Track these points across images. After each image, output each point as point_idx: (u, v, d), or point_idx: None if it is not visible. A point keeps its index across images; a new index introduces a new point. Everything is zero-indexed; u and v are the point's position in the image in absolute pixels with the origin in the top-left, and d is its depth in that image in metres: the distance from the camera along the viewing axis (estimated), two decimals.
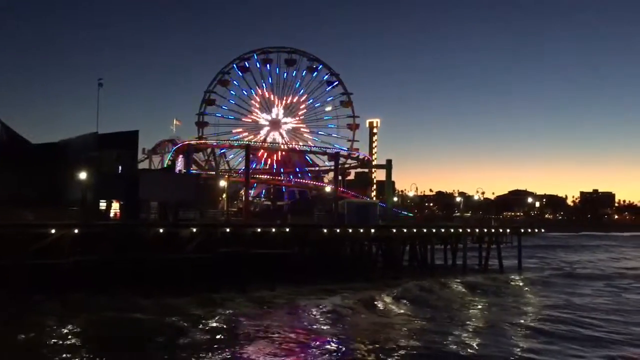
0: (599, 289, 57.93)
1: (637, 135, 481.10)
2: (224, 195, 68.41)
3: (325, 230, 56.42)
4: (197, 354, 27.41)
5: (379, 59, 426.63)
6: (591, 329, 35.94)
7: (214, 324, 33.75)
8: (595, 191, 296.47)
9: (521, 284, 59.71)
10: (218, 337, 31.04)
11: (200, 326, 32.87)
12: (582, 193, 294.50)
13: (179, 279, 42.32)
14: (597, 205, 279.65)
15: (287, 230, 54.01)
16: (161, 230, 44.94)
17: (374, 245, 64.28)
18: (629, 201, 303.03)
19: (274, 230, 52.71)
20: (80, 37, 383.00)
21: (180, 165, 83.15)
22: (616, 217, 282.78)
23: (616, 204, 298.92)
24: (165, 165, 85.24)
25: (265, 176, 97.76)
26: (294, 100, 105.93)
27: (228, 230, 49.46)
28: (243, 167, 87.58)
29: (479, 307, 45.46)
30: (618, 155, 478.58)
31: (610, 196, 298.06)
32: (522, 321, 38.94)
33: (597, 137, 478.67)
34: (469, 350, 29.87)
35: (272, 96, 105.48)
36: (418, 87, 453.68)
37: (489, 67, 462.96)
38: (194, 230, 46.81)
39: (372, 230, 59.45)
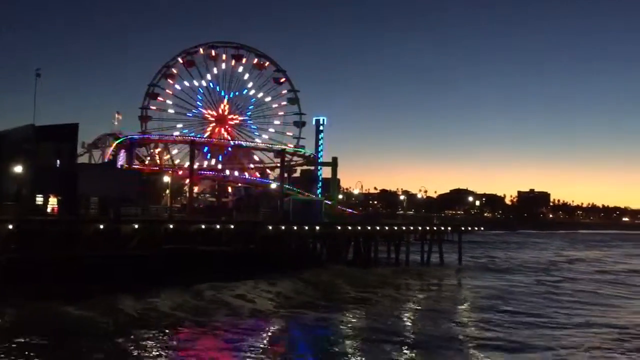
0: (529, 280, 62.70)
1: (571, 138, 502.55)
2: (168, 191, 67.21)
3: (270, 227, 56.38)
4: (129, 353, 26.62)
5: (325, 56, 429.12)
6: (521, 313, 37.71)
7: (152, 321, 32.98)
8: (532, 191, 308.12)
9: (454, 273, 61.80)
10: (156, 333, 30.42)
11: (139, 323, 32.07)
12: (519, 192, 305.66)
13: (120, 276, 41.28)
14: (533, 204, 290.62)
15: (232, 227, 53.67)
16: (101, 227, 43.80)
17: (319, 242, 64.80)
18: (563, 201, 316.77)
19: (218, 227, 52.25)
20: (18, 26, 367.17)
21: (122, 160, 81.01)
22: (551, 215, 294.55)
23: (551, 203, 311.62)
24: (106, 160, 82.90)
25: (210, 172, 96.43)
26: (241, 96, 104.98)
27: (171, 226, 48.72)
28: (187, 163, 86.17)
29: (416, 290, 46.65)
30: (553, 157, 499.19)
31: (545, 196, 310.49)
32: (459, 305, 40.91)
33: (535, 139, 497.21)
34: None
35: (218, 92, 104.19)
36: (364, 86, 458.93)
37: (434, 66, 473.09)
38: (136, 226, 45.84)
39: (317, 228, 59.82)
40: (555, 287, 56.95)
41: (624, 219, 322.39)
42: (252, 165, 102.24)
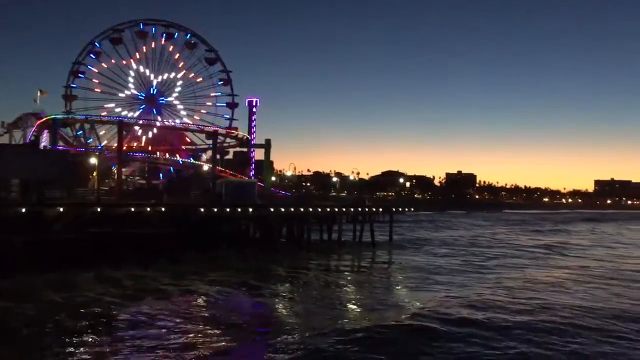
0: (454, 253, 67.24)
1: (496, 121, 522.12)
2: (95, 174, 65.06)
3: (202, 210, 55.76)
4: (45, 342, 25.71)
5: (258, 37, 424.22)
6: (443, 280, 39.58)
7: (77, 308, 32.05)
8: (459, 172, 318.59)
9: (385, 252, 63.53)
10: (82, 322, 29.59)
11: (65, 311, 31.07)
12: (447, 174, 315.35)
13: (43, 260, 39.88)
14: (460, 185, 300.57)
15: (163, 209, 52.74)
16: (23, 210, 42.01)
17: (252, 225, 64.72)
18: (488, 182, 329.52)
19: (148, 209, 51.20)
20: None
21: (45, 140, 77.67)
22: (477, 196, 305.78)
23: (477, 185, 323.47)
24: (27, 141, 79.25)
25: (140, 154, 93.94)
26: (171, 76, 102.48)
27: (99, 209, 47.33)
28: (115, 144, 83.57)
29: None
30: (480, 139, 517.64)
31: (472, 177, 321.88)
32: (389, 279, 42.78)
33: (462, 122, 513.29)
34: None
35: (147, 71, 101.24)
36: (297, 68, 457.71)
37: (365, 48, 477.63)
38: (61, 209, 44.24)
39: (250, 210, 59.68)
40: (475, 262, 59.35)
41: (544, 199, 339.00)
42: (183, 147, 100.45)
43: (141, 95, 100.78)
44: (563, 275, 50.42)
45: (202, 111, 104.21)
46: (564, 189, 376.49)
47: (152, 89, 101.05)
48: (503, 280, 46.39)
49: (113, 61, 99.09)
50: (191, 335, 26.70)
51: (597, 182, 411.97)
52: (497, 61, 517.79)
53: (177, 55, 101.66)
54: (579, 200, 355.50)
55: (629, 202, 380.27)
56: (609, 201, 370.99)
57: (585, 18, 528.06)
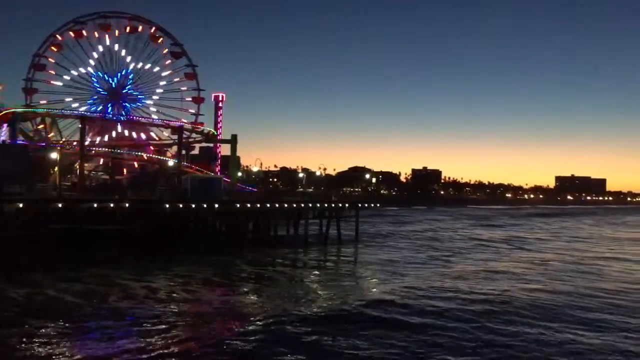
0: (417, 248, 67.73)
1: (461, 118, 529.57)
2: (56, 169, 63.75)
3: (167, 206, 55.22)
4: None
5: (224, 32, 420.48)
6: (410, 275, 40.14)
7: (39, 307, 31.40)
8: (425, 168, 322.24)
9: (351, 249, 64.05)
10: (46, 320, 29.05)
11: (26, 310, 30.41)
12: (413, 170, 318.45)
13: (2, 257, 38.94)
14: (426, 181, 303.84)
15: (127, 205, 52.05)
16: None
17: (218, 221, 64.32)
18: (453, 178, 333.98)
19: (112, 205, 50.46)
20: None
21: (4, 135, 75.71)
22: (442, 192, 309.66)
23: (442, 181, 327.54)
24: None
25: (103, 149, 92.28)
26: (135, 70, 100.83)
27: (60, 205, 46.44)
28: (78, 139, 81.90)
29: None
30: (445, 136, 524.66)
31: (437, 173, 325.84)
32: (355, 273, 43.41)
33: (428, 119, 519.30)
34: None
35: (110, 65, 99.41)
36: (264, 63, 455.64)
37: (331, 44, 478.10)
38: (20, 205, 43.26)
39: (216, 206, 59.33)
40: (436, 255, 60.32)
41: (507, 195, 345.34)
42: (148, 142, 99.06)
43: (104, 90, 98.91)
44: (519, 265, 53.04)
45: (167, 106, 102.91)
46: (527, 185, 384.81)
47: (115, 83, 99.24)
48: (462, 271, 48.17)
49: (75, 54, 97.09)
50: (154, 330, 26.46)
51: (558, 178, 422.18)
52: (462, 59, 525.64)
53: (141, 49, 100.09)
54: (541, 196, 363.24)
55: (588, 197, 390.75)
56: (569, 197, 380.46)
57: (535, 14, 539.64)
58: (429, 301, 34.56)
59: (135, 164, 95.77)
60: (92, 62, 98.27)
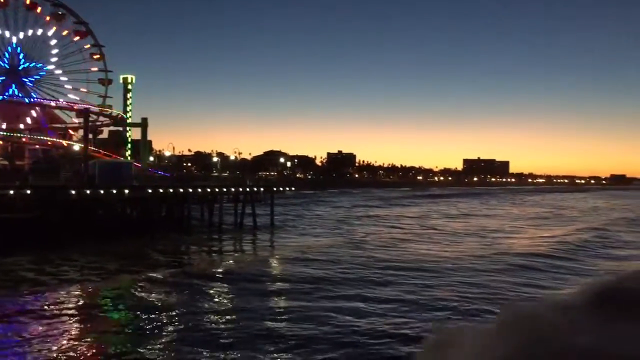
0: (329, 228, 71.66)
1: (375, 102, 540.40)
2: None
3: (73, 192, 52.85)
4: None
5: (132, 10, 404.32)
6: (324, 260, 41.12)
7: None
8: (340, 152, 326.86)
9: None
10: None
11: None
12: (328, 154, 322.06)
13: None
14: (341, 165, 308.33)
15: (28, 192, 49.34)
16: None
17: (129, 207, 62.37)
18: (367, 161, 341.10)
19: (11, 192, 47.68)
20: None
21: None
22: (356, 175, 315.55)
23: (357, 164, 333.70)
24: None
25: (1, 133, 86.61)
26: (36, 49, 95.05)
27: None
28: None
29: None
30: (359, 120, 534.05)
31: (352, 157, 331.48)
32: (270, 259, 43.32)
33: (342, 102, 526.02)
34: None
35: (8, 42, 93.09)
36: (175, 44, 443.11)
37: (244, 26, 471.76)
38: None
39: (126, 191, 57.48)
40: (348, 236, 61.96)
41: (418, 177, 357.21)
42: (52, 126, 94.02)
43: (2, 68, 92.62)
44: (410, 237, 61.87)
45: (73, 87, 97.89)
46: (436, 167, 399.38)
47: (13, 61, 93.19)
48: (370, 251, 50.40)
49: None
50: (53, 325, 25.25)
51: (465, 161, 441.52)
52: (374, 44, 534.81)
53: (42, 27, 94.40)
54: (450, 178, 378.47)
55: (493, 179, 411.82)
56: (475, 178, 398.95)
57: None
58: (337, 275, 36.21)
59: (38, 149, 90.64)
60: None
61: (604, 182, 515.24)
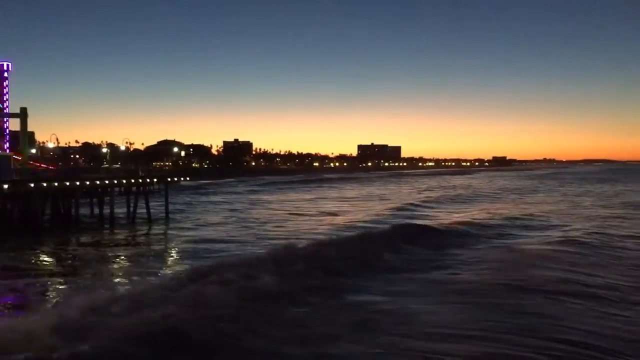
0: (225, 217, 71.88)
1: (270, 88, 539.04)
2: None
3: None
4: None
5: None
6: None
7: None
8: (236, 140, 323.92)
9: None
10: None
11: None
12: (225, 142, 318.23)
13: None
14: (238, 153, 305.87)
15: None
16: None
17: (9, 204, 58.28)
18: (264, 149, 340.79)
19: None
20: None
21: None
22: (253, 163, 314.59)
23: (254, 152, 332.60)
24: None
25: None
26: None
27: None
28: None
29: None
30: (255, 107, 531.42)
31: (248, 145, 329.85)
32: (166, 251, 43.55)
33: (237, 90, 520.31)
34: None
35: None
36: (56, 28, 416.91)
37: (131, 10, 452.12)
38: None
39: (5, 187, 53.68)
40: (244, 224, 62.35)
41: (314, 164, 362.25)
42: None
43: None
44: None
45: None
46: (332, 153, 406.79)
47: None
48: (264, 237, 51.75)
49: None
50: None
51: (360, 147, 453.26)
52: (265, 28, 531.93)
53: None
54: (345, 164, 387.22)
55: (386, 164, 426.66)
56: (369, 163, 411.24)
57: None
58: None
59: None
60: None
61: (486, 164, 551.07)
